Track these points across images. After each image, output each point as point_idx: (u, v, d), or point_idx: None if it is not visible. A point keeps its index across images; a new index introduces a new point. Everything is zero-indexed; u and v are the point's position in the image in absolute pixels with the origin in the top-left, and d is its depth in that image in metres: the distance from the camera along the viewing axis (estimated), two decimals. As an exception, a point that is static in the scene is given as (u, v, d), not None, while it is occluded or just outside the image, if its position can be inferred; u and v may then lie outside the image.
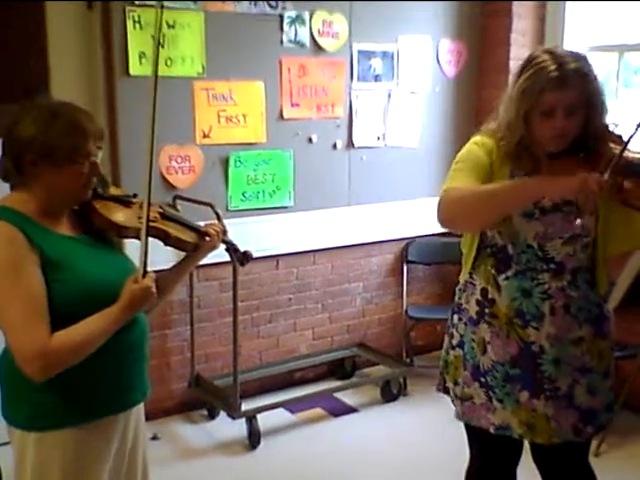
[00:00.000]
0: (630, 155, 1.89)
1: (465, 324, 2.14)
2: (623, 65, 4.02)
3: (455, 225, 2.07)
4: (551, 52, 1.93)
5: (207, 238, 2.01)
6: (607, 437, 3.33)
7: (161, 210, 1.97)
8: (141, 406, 1.96)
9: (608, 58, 4.03)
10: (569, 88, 1.87)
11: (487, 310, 2.07)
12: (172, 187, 3.62)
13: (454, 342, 2.19)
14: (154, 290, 1.75)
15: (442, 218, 1.99)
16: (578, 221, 1.97)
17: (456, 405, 2.19)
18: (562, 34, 4.21)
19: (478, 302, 2.10)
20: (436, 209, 2.00)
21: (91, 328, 1.69)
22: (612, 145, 1.92)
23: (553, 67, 1.88)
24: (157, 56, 1.81)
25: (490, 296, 2.07)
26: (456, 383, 2.18)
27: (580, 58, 1.93)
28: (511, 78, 2.02)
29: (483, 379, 2.09)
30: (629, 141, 1.83)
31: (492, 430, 2.09)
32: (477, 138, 2.10)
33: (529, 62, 1.94)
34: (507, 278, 2.04)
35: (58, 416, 1.74)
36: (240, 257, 2.18)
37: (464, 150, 2.10)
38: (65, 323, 1.68)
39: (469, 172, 2.01)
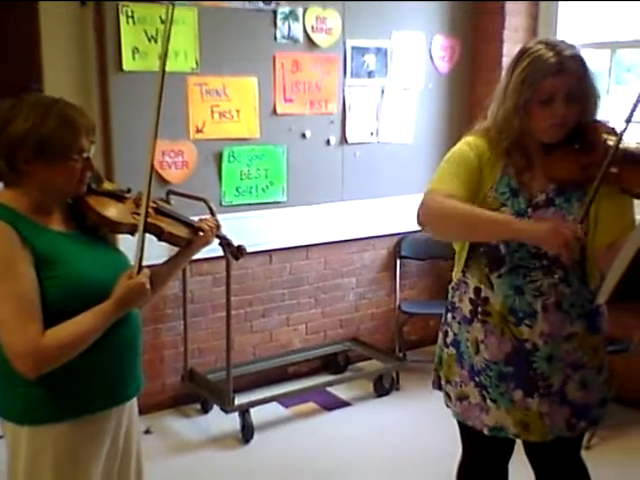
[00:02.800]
0: (626, 144, 1.91)
1: (459, 323, 2.14)
2: (615, 62, 4.04)
3: (428, 230, 2.07)
4: (544, 42, 1.95)
5: (201, 233, 2.02)
6: (598, 431, 3.36)
7: (155, 205, 1.97)
8: (134, 400, 1.97)
9: (600, 55, 4.05)
10: (568, 73, 1.89)
11: (480, 308, 2.07)
12: (165, 182, 3.62)
13: (448, 340, 2.19)
14: (148, 287, 1.75)
15: (419, 219, 2.02)
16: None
17: (452, 404, 2.19)
18: (555, 31, 4.23)
19: (471, 301, 2.10)
20: (418, 206, 2.02)
21: (84, 324, 1.69)
22: (606, 136, 1.94)
23: (550, 54, 1.90)
24: (165, 54, 1.82)
25: (483, 294, 2.07)
26: (448, 381, 2.19)
27: (573, 46, 1.95)
28: (504, 73, 2.02)
29: (477, 379, 2.10)
30: (624, 131, 1.85)
31: (486, 431, 2.10)
32: (469, 138, 2.09)
33: (523, 53, 1.95)
34: (500, 276, 2.04)
35: (51, 410, 1.74)
36: (234, 252, 2.19)
37: (454, 149, 2.09)
38: (58, 319, 1.68)
39: (456, 174, 2.01)
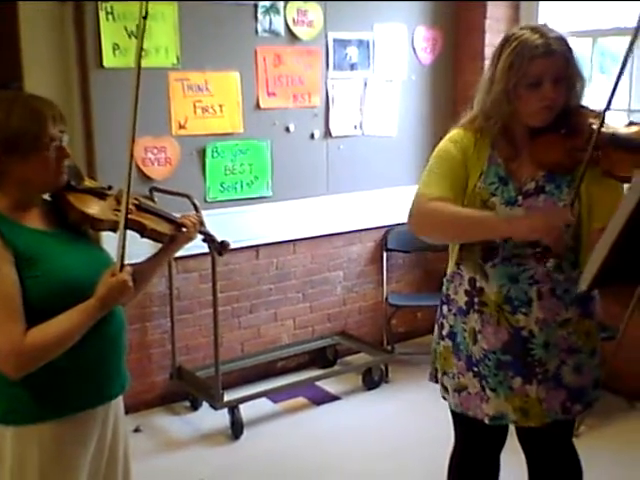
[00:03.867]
0: (612, 128, 1.93)
1: (454, 315, 2.15)
2: (598, 50, 4.05)
3: (421, 235, 2.10)
4: (528, 27, 1.98)
5: (184, 229, 2.00)
6: (586, 419, 3.37)
7: (137, 202, 1.95)
8: (120, 399, 1.96)
9: (582, 44, 4.05)
10: (555, 55, 1.91)
11: (476, 299, 2.08)
12: (148, 179, 3.60)
13: (444, 333, 2.19)
14: (131, 284, 1.74)
15: (411, 225, 2.06)
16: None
17: (449, 396, 2.19)
18: (536, 20, 4.23)
19: (467, 292, 2.11)
20: (408, 212, 2.05)
21: (67, 323, 1.68)
22: (591, 120, 1.95)
23: (536, 36, 1.92)
24: (140, 49, 1.79)
25: (478, 285, 2.08)
26: (445, 373, 2.19)
27: (555, 30, 1.97)
28: (489, 61, 2.03)
29: (476, 369, 2.10)
30: (605, 113, 1.87)
31: (487, 421, 2.10)
32: (453, 133, 2.10)
33: (508, 39, 1.97)
34: (494, 266, 2.05)
35: (35, 410, 1.73)
36: (217, 247, 2.18)
37: (438, 148, 2.11)
38: (41, 319, 1.66)
39: (443, 175, 2.04)
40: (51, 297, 1.69)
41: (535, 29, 1.95)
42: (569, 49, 1.95)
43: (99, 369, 1.82)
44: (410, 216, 2.05)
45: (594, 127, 1.90)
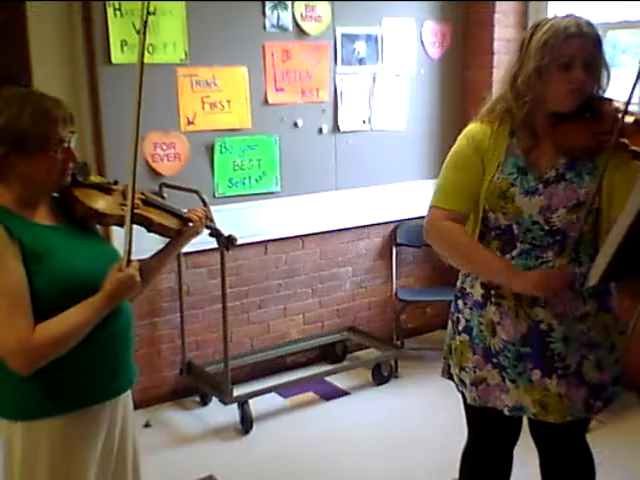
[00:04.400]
0: (636, 114, 1.94)
1: (470, 309, 2.14)
2: (607, 43, 4.02)
3: (434, 248, 2.17)
4: (556, 17, 1.99)
5: (190, 224, 2.01)
6: (601, 413, 3.36)
7: (143, 196, 1.95)
8: (129, 394, 1.96)
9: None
10: (588, 37, 1.93)
11: (493, 292, 2.08)
12: (158, 175, 3.60)
13: (460, 327, 2.18)
14: (138, 279, 1.74)
15: (426, 237, 2.14)
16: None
17: (468, 391, 2.18)
18: (545, 13, 4.20)
19: (483, 285, 2.10)
20: (424, 222, 2.13)
21: (74, 318, 1.68)
22: (616, 105, 1.97)
23: (568, 19, 1.95)
24: (143, 45, 1.79)
25: None
26: (462, 368, 2.18)
27: (582, 17, 1.98)
28: (516, 47, 2.04)
29: (495, 360, 2.10)
30: (630, 99, 1.87)
31: (506, 412, 2.10)
32: (469, 128, 2.11)
33: (539, 24, 1.98)
34: (512, 258, 2.04)
35: (43, 405, 1.73)
36: (224, 241, 2.18)
37: (454, 149, 2.12)
38: (49, 314, 1.66)
39: (457, 186, 2.08)
40: (58, 292, 1.69)
41: (565, 15, 1.98)
42: (598, 36, 1.97)
43: (107, 364, 1.82)
44: (425, 230, 2.13)
45: (619, 113, 1.91)
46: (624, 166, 1.94)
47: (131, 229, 1.77)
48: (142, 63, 1.77)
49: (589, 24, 1.96)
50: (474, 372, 2.15)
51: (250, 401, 3.61)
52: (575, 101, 1.97)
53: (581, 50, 1.93)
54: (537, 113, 2.01)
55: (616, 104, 1.99)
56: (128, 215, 1.77)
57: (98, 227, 1.95)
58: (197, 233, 2.04)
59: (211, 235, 2.18)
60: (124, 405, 1.93)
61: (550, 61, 1.93)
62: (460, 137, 2.12)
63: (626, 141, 1.89)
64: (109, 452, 1.89)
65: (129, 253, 1.74)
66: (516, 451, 2.32)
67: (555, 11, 4.10)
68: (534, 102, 1.99)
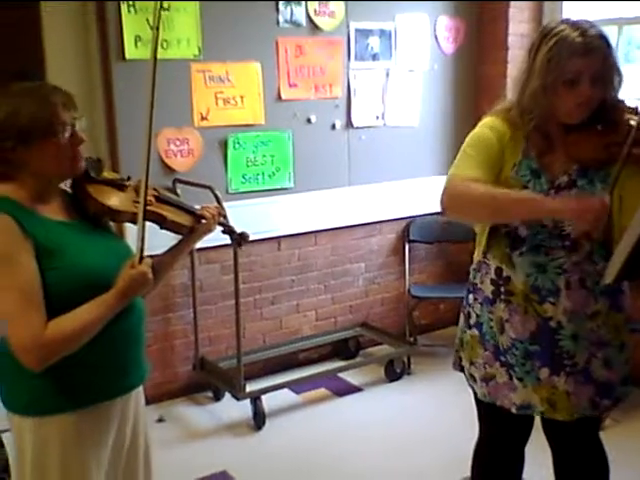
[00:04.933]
0: None
1: (481, 304, 2.13)
2: (623, 39, 3.99)
3: (454, 216, 2.06)
4: (567, 22, 1.94)
5: (203, 221, 2.00)
6: (612, 412, 3.34)
7: (156, 193, 1.95)
8: (140, 390, 1.96)
9: (607, 32, 3.98)
10: (594, 54, 1.89)
11: (503, 288, 2.07)
12: (171, 171, 3.61)
13: (471, 322, 2.18)
14: (150, 276, 1.74)
15: (444, 205, 1.99)
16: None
17: (478, 387, 2.17)
18: (561, 8, 4.18)
19: (493, 281, 2.09)
20: (441, 192, 1.99)
21: (87, 315, 1.68)
22: (628, 116, 1.94)
23: (575, 34, 1.89)
24: (156, 43, 1.78)
25: (505, 274, 2.06)
26: (472, 363, 2.18)
27: (595, 25, 1.94)
28: (526, 53, 2.01)
29: (503, 358, 2.09)
30: None
31: (514, 410, 2.09)
32: (488, 120, 2.08)
33: (547, 34, 1.94)
34: (521, 254, 2.03)
35: (54, 401, 1.74)
36: (237, 238, 2.18)
37: (474, 132, 2.07)
38: (61, 310, 1.66)
39: (479, 160, 2.00)
40: (71, 289, 1.69)
41: (575, 25, 1.91)
42: (608, 46, 1.92)
43: (118, 361, 1.82)
44: (442, 195, 1.98)
45: (631, 122, 1.88)
46: (637, 176, 1.92)
47: (143, 226, 1.76)
48: (155, 60, 1.77)
49: (599, 36, 1.90)
50: (484, 368, 2.14)
51: (263, 397, 3.62)
52: (583, 114, 1.95)
53: (587, 67, 1.89)
54: (548, 122, 1.99)
55: (630, 111, 1.95)
56: (140, 212, 1.76)
57: (111, 224, 1.95)
58: (210, 230, 2.03)
59: (224, 232, 2.17)
60: (136, 401, 1.93)
61: (555, 78, 1.90)
62: (479, 126, 2.07)
63: (638, 151, 1.86)
64: (120, 448, 1.89)
65: (142, 250, 1.74)
66: (529, 449, 2.31)
67: (569, 10, 4.09)
68: (542, 115, 1.96)
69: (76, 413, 1.75)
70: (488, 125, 2.06)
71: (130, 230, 1.97)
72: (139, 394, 1.96)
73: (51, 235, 1.70)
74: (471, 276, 2.20)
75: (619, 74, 1.96)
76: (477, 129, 2.07)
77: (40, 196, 1.75)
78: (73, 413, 1.75)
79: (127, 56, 3.40)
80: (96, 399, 1.79)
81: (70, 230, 1.77)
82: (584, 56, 1.88)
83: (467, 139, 2.07)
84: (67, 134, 1.71)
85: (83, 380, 1.76)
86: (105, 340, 1.74)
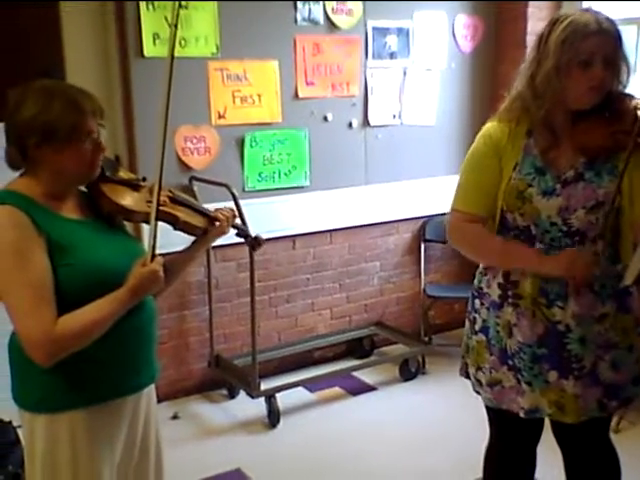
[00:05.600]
0: None
1: (487, 309, 2.13)
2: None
3: (459, 250, 2.19)
4: (574, 12, 1.96)
5: (217, 223, 2.00)
6: (627, 414, 3.32)
7: (170, 194, 1.95)
8: (152, 388, 1.96)
9: (627, 31, 3.96)
10: (607, 34, 1.90)
11: (510, 292, 2.06)
12: (188, 168, 3.62)
13: (477, 327, 2.17)
14: (161, 274, 1.73)
15: (450, 240, 2.16)
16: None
17: (484, 391, 2.17)
18: (580, 7, 4.14)
19: (500, 285, 2.08)
20: (447, 226, 2.14)
21: (97, 312, 1.68)
22: (635, 103, 1.95)
23: (587, 16, 1.91)
24: (173, 43, 1.78)
25: (513, 278, 2.05)
26: (479, 368, 2.17)
27: (601, 13, 1.95)
28: (533, 44, 2.01)
29: (511, 362, 2.08)
30: None
31: (522, 414, 2.08)
32: (487, 128, 2.09)
33: (558, 19, 1.95)
34: None
35: (66, 398, 1.74)
36: (251, 242, 2.17)
37: (471, 150, 2.11)
38: (73, 307, 1.67)
39: (477, 187, 2.07)
40: (83, 286, 1.70)
41: (584, 11, 1.95)
42: (618, 32, 1.94)
43: (129, 359, 1.83)
44: (448, 234, 2.15)
45: (639, 111, 1.88)
46: None
47: (156, 225, 1.77)
48: (172, 58, 1.76)
49: (609, 20, 1.92)
50: (490, 373, 2.13)
51: (277, 395, 3.62)
52: (595, 98, 1.94)
53: (601, 47, 1.89)
54: (556, 111, 1.98)
55: (636, 101, 1.96)
56: (153, 211, 1.76)
57: (127, 224, 1.96)
58: (223, 233, 2.02)
59: (238, 235, 2.17)
60: (147, 399, 1.93)
61: (569, 59, 1.90)
62: (478, 137, 2.11)
63: None
64: (131, 446, 1.89)
65: (154, 247, 1.74)
66: (541, 449, 2.30)
67: (589, 5, 4.05)
68: (553, 100, 1.96)
69: (87, 410, 1.76)
70: (484, 135, 2.09)
71: (146, 229, 1.98)
72: (151, 392, 1.96)
73: (64, 232, 1.71)
74: (476, 280, 2.20)
75: (627, 65, 1.96)
76: (474, 144, 2.11)
77: (55, 194, 1.75)
78: (84, 410, 1.75)
79: (145, 54, 3.41)
80: (107, 396, 1.79)
81: (84, 228, 1.78)
82: (598, 35, 1.89)
83: (466, 157, 2.12)
84: (90, 141, 1.73)
85: (93, 376, 1.77)
86: (115, 337, 1.74)
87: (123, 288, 1.71)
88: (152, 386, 1.96)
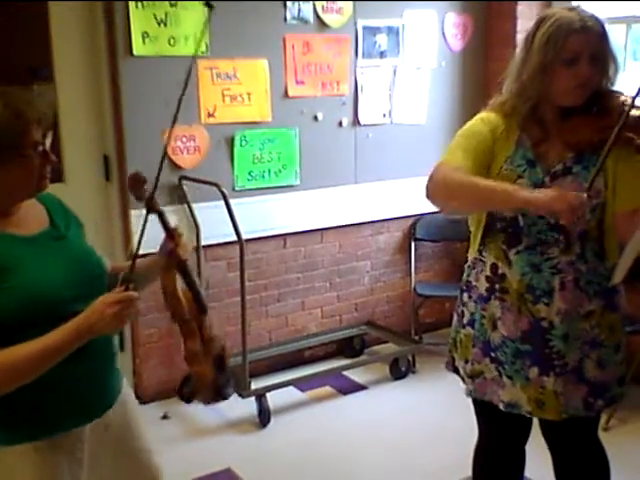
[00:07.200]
0: None
1: (475, 302, 2.13)
2: (631, 37, 3.97)
3: (435, 202, 2.06)
4: (562, 8, 1.97)
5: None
6: (616, 412, 3.33)
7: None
8: (127, 393, 1.86)
9: (616, 30, 3.97)
10: (591, 32, 1.91)
11: (497, 286, 2.07)
12: (177, 168, 3.60)
13: (464, 321, 2.18)
14: (129, 313, 1.55)
15: (428, 192, 2.02)
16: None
17: (467, 383, 2.19)
18: (569, 5, 4.15)
19: (488, 278, 2.09)
20: (427, 179, 2.02)
21: (28, 351, 1.51)
22: (623, 99, 1.95)
23: (572, 14, 1.93)
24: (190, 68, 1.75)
25: (500, 271, 2.06)
26: (467, 361, 2.18)
27: (586, 11, 1.96)
28: (521, 44, 2.02)
29: (493, 354, 2.09)
30: (638, 93, 1.83)
31: (502, 407, 2.09)
32: (483, 114, 2.10)
33: (544, 18, 1.96)
34: (518, 252, 2.03)
35: (11, 432, 1.61)
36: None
37: (467, 126, 2.10)
38: (14, 334, 1.52)
39: (465, 147, 2.03)
40: (21, 311, 1.54)
41: (570, 9, 1.96)
42: (603, 29, 1.95)
43: (81, 388, 1.67)
44: (428, 182, 2.02)
45: (625, 107, 1.88)
46: (630, 159, 1.92)
47: (137, 254, 1.61)
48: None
49: (593, 18, 1.94)
50: (472, 365, 2.15)
51: (268, 394, 3.61)
52: (582, 95, 1.96)
53: (586, 45, 1.91)
54: (545, 108, 2.00)
55: (624, 98, 1.97)
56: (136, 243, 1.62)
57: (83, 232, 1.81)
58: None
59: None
60: (122, 408, 1.81)
61: (554, 56, 1.92)
62: (473, 119, 2.11)
63: (632, 135, 1.87)
64: (109, 466, 1.77)
65: (129, 277, 1.58)
66: (530, 447, 2.31)
67: (578, 3, 4.06)
68: (539, 97, 1.97)
69: (36, 445, 1.62)
70: (481, 117, 2.09)
71: (135, 224, 1.92)
72: (125, 397, 1.84)
73: (4, 251, 1.57)
74: (465, 274, 2.20)
75: (615, 62, 1.98)
76: (470, 122, 2.11)
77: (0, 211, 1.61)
78: (33, 445, 1.62)
79: (135, 52, 3.39)
80: (55, 430, 1.65)
81: (28, 246, 1.62)
82: (582, 33, 1.90)
83: (460, 130, 2.11)
84: (38, 154, 1.57)
85: (39, 410, 1.62)
86: (66, 366, 1.56)
87: (74, 322, 1.53)
88: (125, 393, 1.84)
